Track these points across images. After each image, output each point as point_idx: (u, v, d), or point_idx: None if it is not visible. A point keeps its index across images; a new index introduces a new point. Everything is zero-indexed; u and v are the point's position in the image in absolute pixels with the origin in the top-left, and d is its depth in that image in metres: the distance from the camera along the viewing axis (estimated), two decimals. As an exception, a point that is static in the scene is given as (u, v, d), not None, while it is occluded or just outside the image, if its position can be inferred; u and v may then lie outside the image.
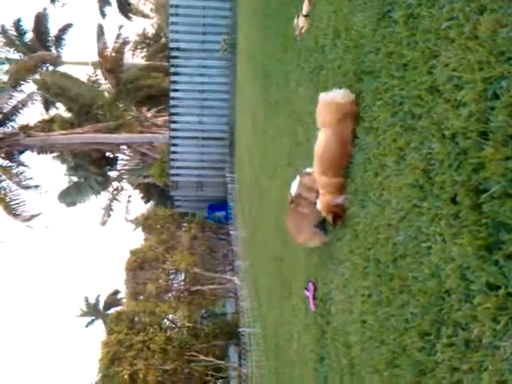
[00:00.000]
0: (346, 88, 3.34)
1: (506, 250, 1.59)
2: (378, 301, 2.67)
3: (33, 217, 19.15)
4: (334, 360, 3.55)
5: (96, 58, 22.38)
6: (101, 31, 22.35)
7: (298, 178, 3.99)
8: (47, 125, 21.41)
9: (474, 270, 1.74)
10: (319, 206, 3.47)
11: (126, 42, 22.80)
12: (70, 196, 22.75)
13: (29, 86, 20.29)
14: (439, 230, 2.00)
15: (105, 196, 24.16)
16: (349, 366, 3.18)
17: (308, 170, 3.82)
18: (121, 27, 22.38)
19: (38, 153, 19.97)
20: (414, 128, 2.29)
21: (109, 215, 24.31)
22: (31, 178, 19.14)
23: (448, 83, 1.98)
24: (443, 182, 1.98)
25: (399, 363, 2.34)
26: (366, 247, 2.89)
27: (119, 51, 21.72)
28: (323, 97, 3.45)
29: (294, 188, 4.01)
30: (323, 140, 3.35)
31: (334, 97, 3.32)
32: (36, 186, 19.15)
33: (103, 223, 24.74)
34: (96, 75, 23.14)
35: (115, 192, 24.24)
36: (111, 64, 21.12)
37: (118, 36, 22.05)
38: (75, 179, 23.40)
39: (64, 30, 23.40)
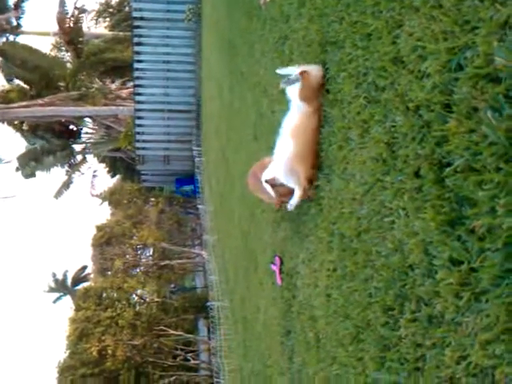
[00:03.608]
0: (312, 59, 3.27)
1: (469, 225, 1.56)
2: (343, 275, 2.65)
3: None
4: (300, 333, 3.55)
5: (56, 27, 21.64)
6: (62, 2, 21.53)
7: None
8: (7, 96, 20.71)
9: (436, 245, 1.72)
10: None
11: (83, 11, 22.01)
12: (28, 167, 22.06)
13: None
14: (402, 204, 1.97)
15: (67, 169, 23.53)
16: (315, 339, 3.18)
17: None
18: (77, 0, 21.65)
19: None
20: (377, 100, 2.24)
21: (67, 187, 23.67)
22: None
23: (412, 54, 1.93)
24: (406, 156, 1.94)
25: (364, 338, 2.33)
26: (331, 221, 2.86)
27: (77, 23, 20.99)
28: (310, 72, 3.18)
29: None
30: (306, 118, 3.05)
31: (314, 71, 3.14)
32: None
33: (58, 195, 24.06)
34: (60, 45, 22.42)
35: (77, 165, 23.64)
36: (70, 36, 20.45)
37: (76, 8, 21.29)
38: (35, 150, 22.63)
39: (22, -4, 22.48)
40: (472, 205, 1.56)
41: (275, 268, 4.27)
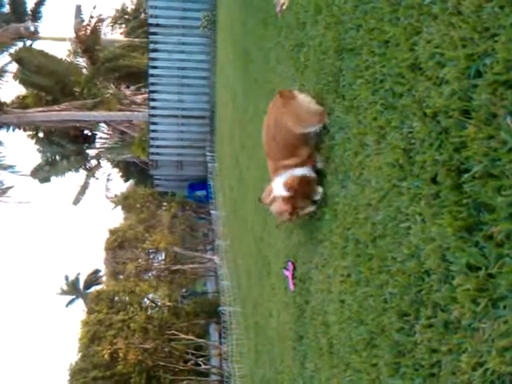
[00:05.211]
0: (328, 65, 3.29)
1: (487, 231, 1.56)
2: (357, 281, 2.65)
3: (7, 189, 18.85)
4: (312, 339, 3.55)
5: (73, 35, 21.89)
6: (78, 11, 21.77)
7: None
8: (23, 101, 20.95)
9: (454, 251, 1.72)
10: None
11: (100, 20, 22.24)
12: (42, 172, 22.19)
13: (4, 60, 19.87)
14: (419, 210, 1.98)
15: (81, 174, 23.65)
16: (328, 345, 3.17)
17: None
18: (94, 7, 21.90)
19: (14, 130, 19.60)
20: (394, 106, 2.25)
21: (83, 193, 23.75)
22: (5, 157, 18.85)
23: (430, 60, 1.93)
24: (424, 162, 1.94)
25: (378, 343, 2.33)
26: (345, 227, 2.86)
27: (94, 32, 21.20)
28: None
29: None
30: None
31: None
32: (11, 166, 18.85)
33: (76, 202, 24.17)
34: (76, 51, 22.64)
35: (92, 170, 23.77)
36: (86, 44, 20.66)
37: (92, 17, 21.53)
38: (49, 156, 22.79)
39: (40, 2, 22.75)
40: (490, 211, 1.56)
41: (288, 273, 4.27)
